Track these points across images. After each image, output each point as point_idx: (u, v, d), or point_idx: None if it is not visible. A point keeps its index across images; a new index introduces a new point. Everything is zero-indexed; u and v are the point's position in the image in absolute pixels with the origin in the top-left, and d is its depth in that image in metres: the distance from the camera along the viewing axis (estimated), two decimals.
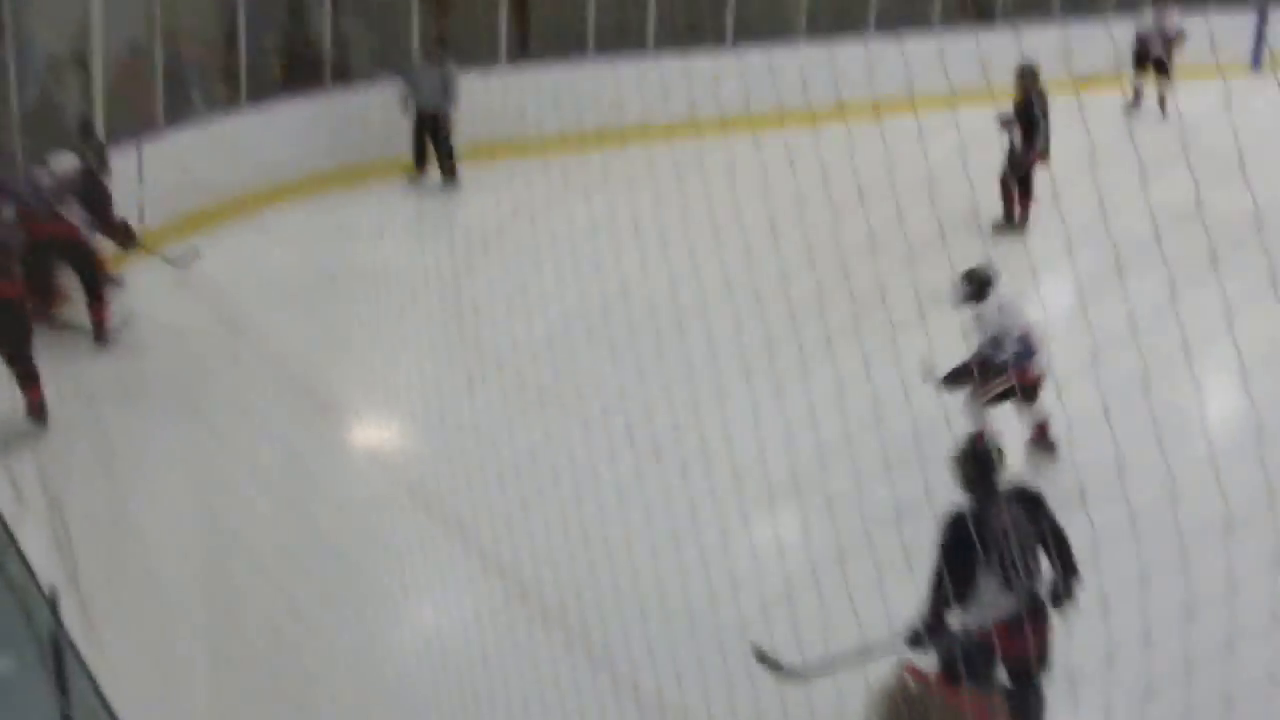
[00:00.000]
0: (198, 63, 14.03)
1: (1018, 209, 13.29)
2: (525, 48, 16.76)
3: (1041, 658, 5.66)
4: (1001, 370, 8.35)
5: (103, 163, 10.83)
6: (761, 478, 5.96)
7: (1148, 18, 17.71)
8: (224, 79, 14.05)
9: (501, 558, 7.09)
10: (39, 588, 5.28)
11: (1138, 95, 17.74)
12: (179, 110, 13.21)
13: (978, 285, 8.63)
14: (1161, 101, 17.61)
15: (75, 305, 10.69)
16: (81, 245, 10.42)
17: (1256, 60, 19.66)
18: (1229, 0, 19.56)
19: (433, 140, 14.71)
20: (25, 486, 8.14)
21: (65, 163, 10.48)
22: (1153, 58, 17.77)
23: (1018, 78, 12.92)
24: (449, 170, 14.80)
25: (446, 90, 14.51)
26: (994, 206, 13.22)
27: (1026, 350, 8.54)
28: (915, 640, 5.62)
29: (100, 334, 10.63)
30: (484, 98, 14.61)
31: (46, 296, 10.32)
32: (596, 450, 6.78)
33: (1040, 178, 13.05)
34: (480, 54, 15.71)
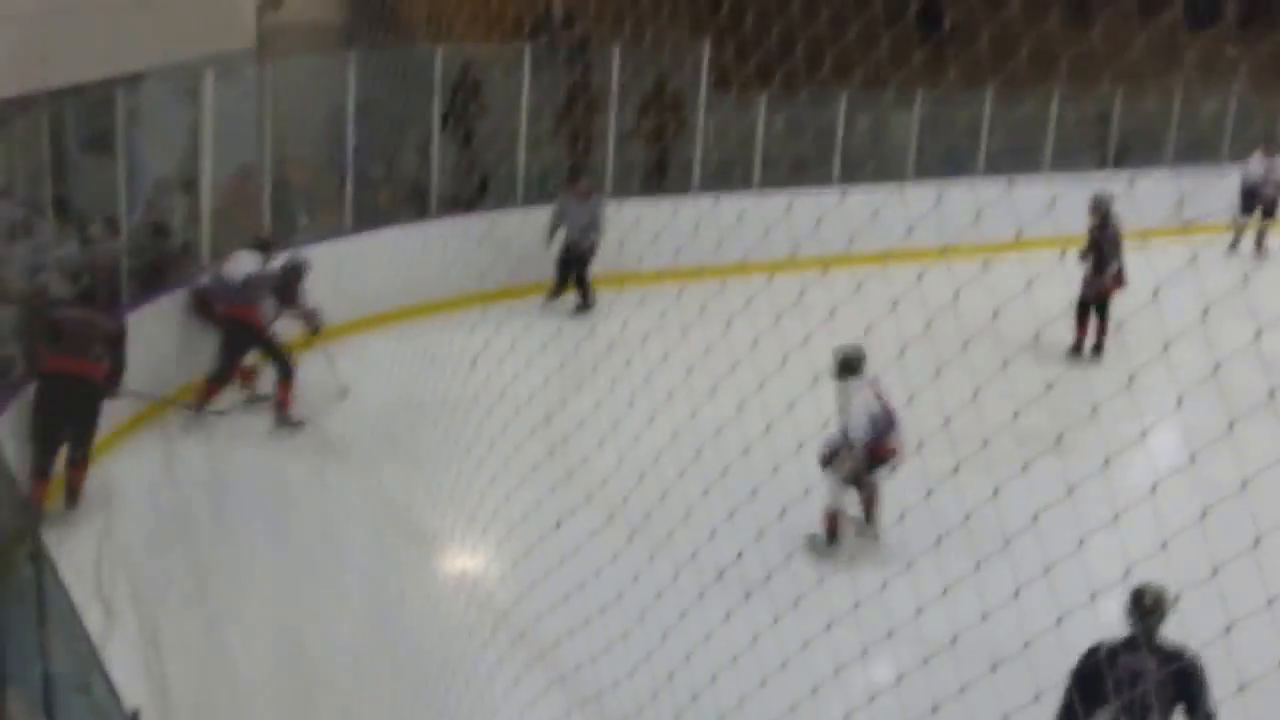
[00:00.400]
0: (304, 187, 14.31)
1: (1090, 337, 13.67)
2: (662, 178, 17.10)
3: None
4: (853, 446, 9.25)
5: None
6: (856, 624, 5.83)
7: (1256, 163, 17.68)
8: (330, 205, 14.32)
9: (585, 691, 6.96)
10: (122, 711, 5.25)
11: (1237, 238, 17.80)
12: (284, 234, 13.44)
13: (845, 365, 9.44)
14: (1260, 240, 17.63)
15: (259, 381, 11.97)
16: (262, 329, 11.70)
17: None
18: None
19: (575, 270, 15.09)
20: (117, 604, 8.20)
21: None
22: (1260, 201, 17.66)
23: (1091, 208, 13.55)
24: (586, 298, 15.13)
25: (594, 224, 14.89)
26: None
27: (884, 425, 9.34)
28: None
29: (281, 415, 11.77)
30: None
31: (230, 375, 11.77)
32: (685, 590, 6.64)
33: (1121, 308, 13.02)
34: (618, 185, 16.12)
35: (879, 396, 9.42)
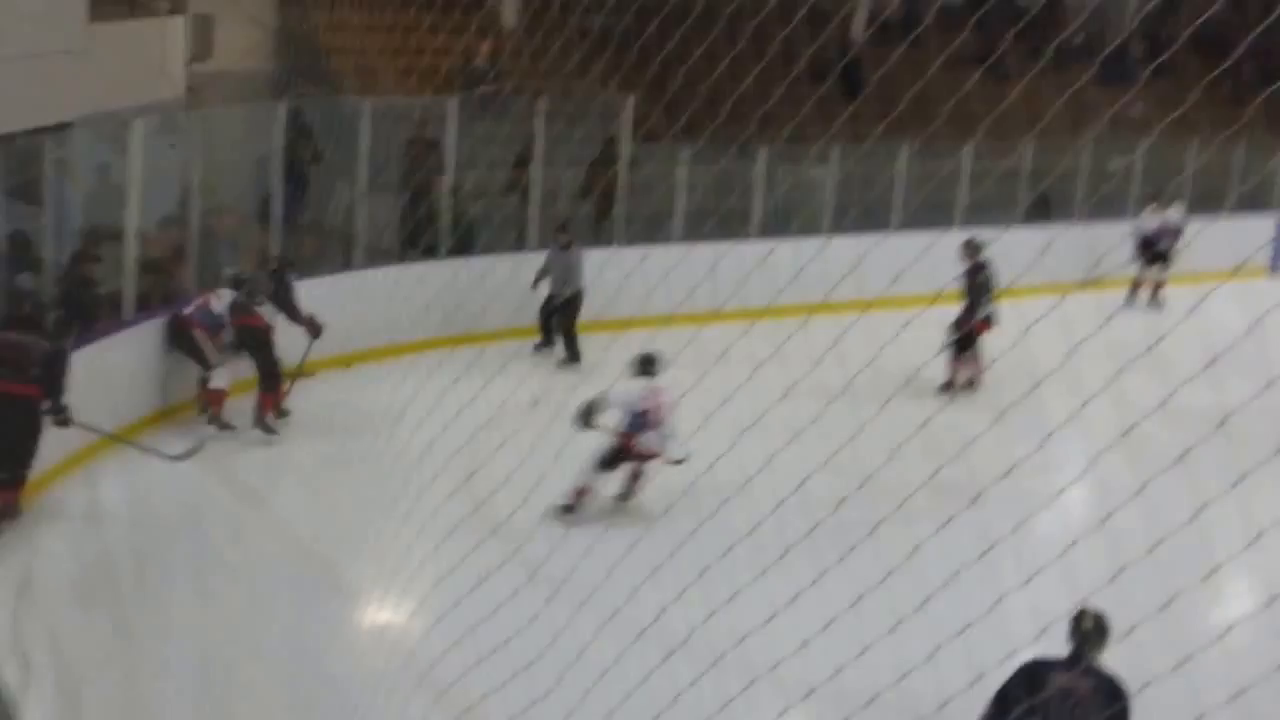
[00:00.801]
0: (231, 237, 14.27)
1: (960, 374, 14.32)
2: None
3: None
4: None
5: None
6: (777, 680, 5.90)
7: (1148, 217, 18.18)
8: (256, 253, 14.27)
9: None
10: None
11: (1135, 289, 18.46)
12: (209, 283, 13.39)
13: (642, 363, 10.91)
14: (1156, 290, 18.22)
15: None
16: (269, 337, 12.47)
17: (1275, 263, 19.99)
18: (1254, 205, 19.93)
19: (558, 320, 15.27)
20: (34, 656, 8.12)
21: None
22: (1155, 252, 18.15)
23: (963, 252, 14.33)
24: (570, 351, 15.33)
25: (569, 276, 15.11)
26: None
27: (639, 424, 10.52)
28: None
29: (260, 421, 12.43)
30: None
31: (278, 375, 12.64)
32: (606, 649, 6.67)
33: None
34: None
35: (655, 401, 10.59)
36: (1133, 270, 18.55)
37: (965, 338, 14.02)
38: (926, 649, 5.72)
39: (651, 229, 16.81)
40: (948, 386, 14.25)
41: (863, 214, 17.28)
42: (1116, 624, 6.23)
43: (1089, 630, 6.18)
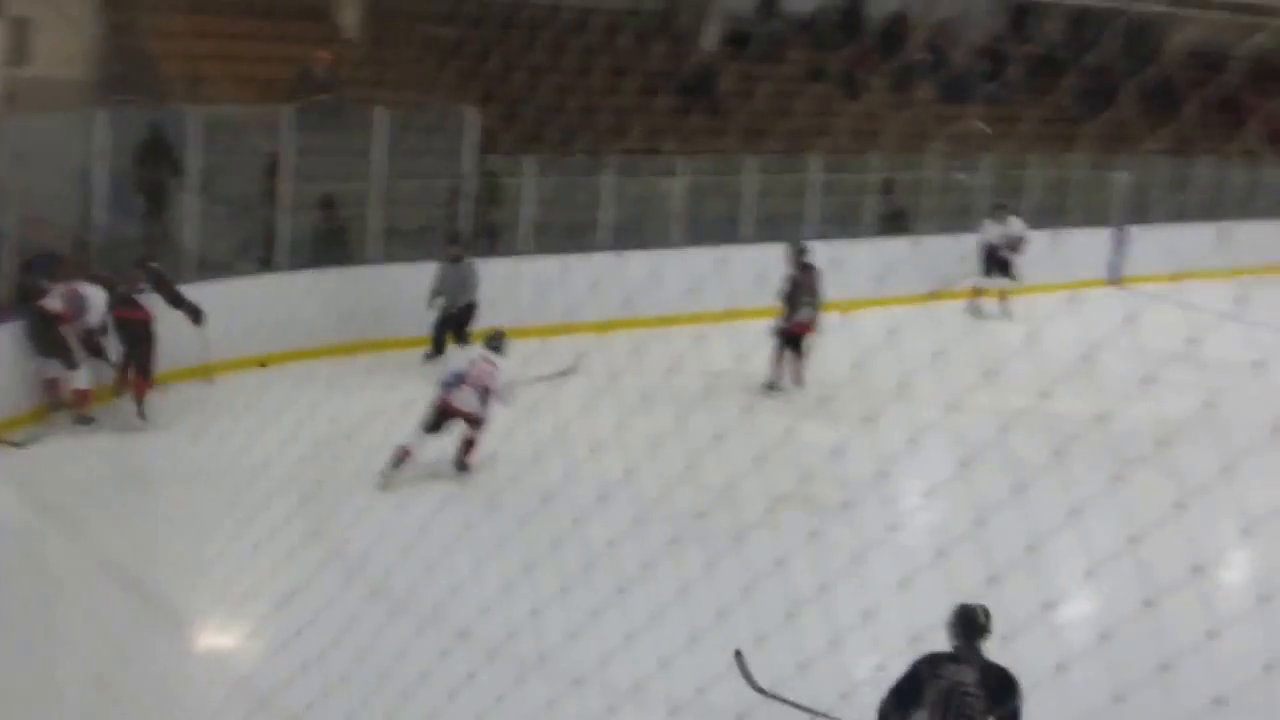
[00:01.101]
0: (48, 247, 13.59)
1: (785, 373, 14.46)
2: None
3: None
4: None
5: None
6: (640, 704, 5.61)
7: (990, 228, 18.49)
8: (76, 266, 13.61)
9: None
10: None
11: (976, 297, 18.75)
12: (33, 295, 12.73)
13: (490, 339, 11.80)
14: (1001, 297, 18.57)
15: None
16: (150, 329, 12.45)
17: (1113, 274, 20.46)
18: (1092, 221, 20.33)
19: (454, 331, 15.12)
20: None
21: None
22: (997, 262, 18.52)
23: (789, 256, 14.50)
24: None
25: (465, 286, 15.08)
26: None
27: (454, 383, 11.18)
28: None
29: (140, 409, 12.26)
30: None
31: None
32: (454, 670, 6.29)
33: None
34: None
35: (480, 368, 11.30)
36: (980, 281, 18.73)
37: (790, 339, 14.39)
38: (797, 660, 5.50)
39: (498, 241, 16.48)
40: (771, 386, 14.39)
41: (712, 225, 17.18)
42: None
43: (977, 624, 6.21)
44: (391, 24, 14.87)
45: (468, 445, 11.23)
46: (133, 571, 9.50)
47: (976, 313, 18.43)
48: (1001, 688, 6.01)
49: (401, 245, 15.86)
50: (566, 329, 14.68)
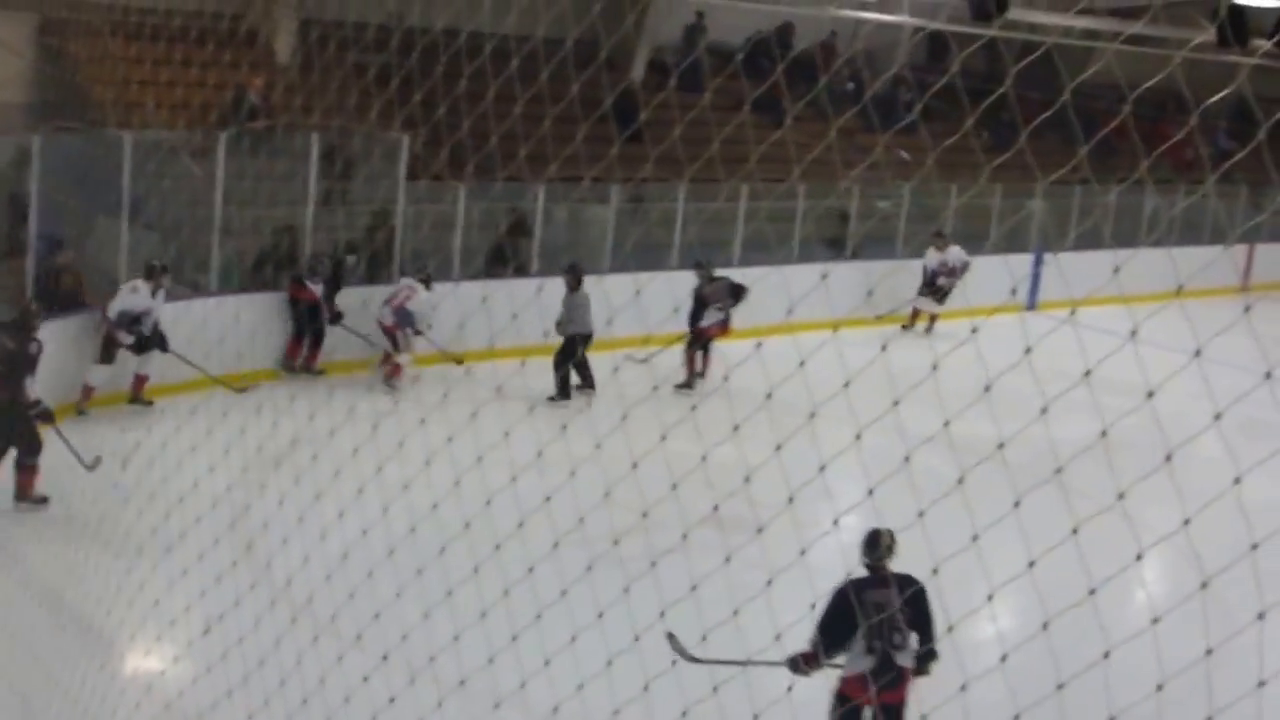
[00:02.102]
0: None
1: (694, 373, 16.11)
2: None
3: (891, 709, 6.91)
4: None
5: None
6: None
7: (931, 256, 18.88)
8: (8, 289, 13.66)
9: None
10: None
11: (914, 318, 19.49)
12: None
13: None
14: (931, 322, 19.22)
15: None
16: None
17: (1031, 300, 20.88)
18: (1012, 248, 20.76)
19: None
20: None
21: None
22: (933, 288, 18.82)
23: (695, 268, 16.36)
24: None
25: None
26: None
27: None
28: (794, 666, 7.01)
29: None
30: None
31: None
32: (377, 692, 6.45)
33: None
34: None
35: (408, 297, 15.03)
36: (919, 303, 19.30)
37: (702, 342, 16.07)
38: (712, 682, 5.69)
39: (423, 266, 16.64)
40: (688, 384, 15.90)
41: (642, 250, 17.46)
42: None
43: (887, 545, 6.96)
44: (323, 51, 14.98)
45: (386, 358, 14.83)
46: (59, 593, 9.57)
47: (914, 330, 18.96)
48: (914, 596, 6.73)
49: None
50: (490, 354, 14.89)
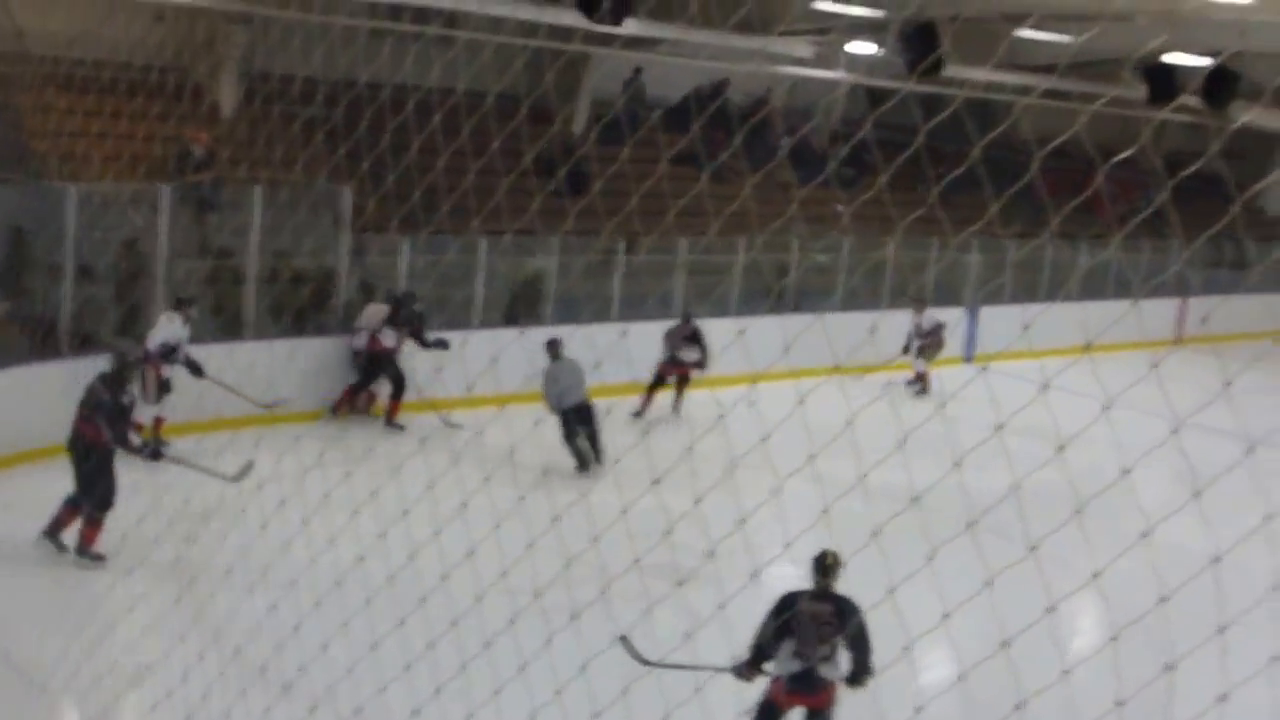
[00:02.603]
0: None
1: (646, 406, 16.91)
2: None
3: (810, 714, 7.40)
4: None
5: None
6: None
7: (912, 316, 19.60)
8: None
9: None
10: None
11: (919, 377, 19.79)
12: None
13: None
14: (922, 379, 19.62)
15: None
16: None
17: (968, 351, 21.20)
18: (946, 301, 21.03)
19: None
20: None
21: None
22: (915, 347, 19.66)
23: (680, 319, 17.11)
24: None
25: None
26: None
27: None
28: (737, 671, 7.42)
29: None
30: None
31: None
32: None
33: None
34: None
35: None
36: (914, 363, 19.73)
37: (679, 379, 17.00)
38: None
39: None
40: (640, 414, 16.76)
41: (587, 304, 17.64)
42: None
43: (830, 564, 7.34)
44: (268, 104, 15.08)
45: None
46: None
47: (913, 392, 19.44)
48: (849, 617, 7.23)
49: (275, 321, 16.06)
50: (420, 406, 14.99)
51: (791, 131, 23.15)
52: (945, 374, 18.87)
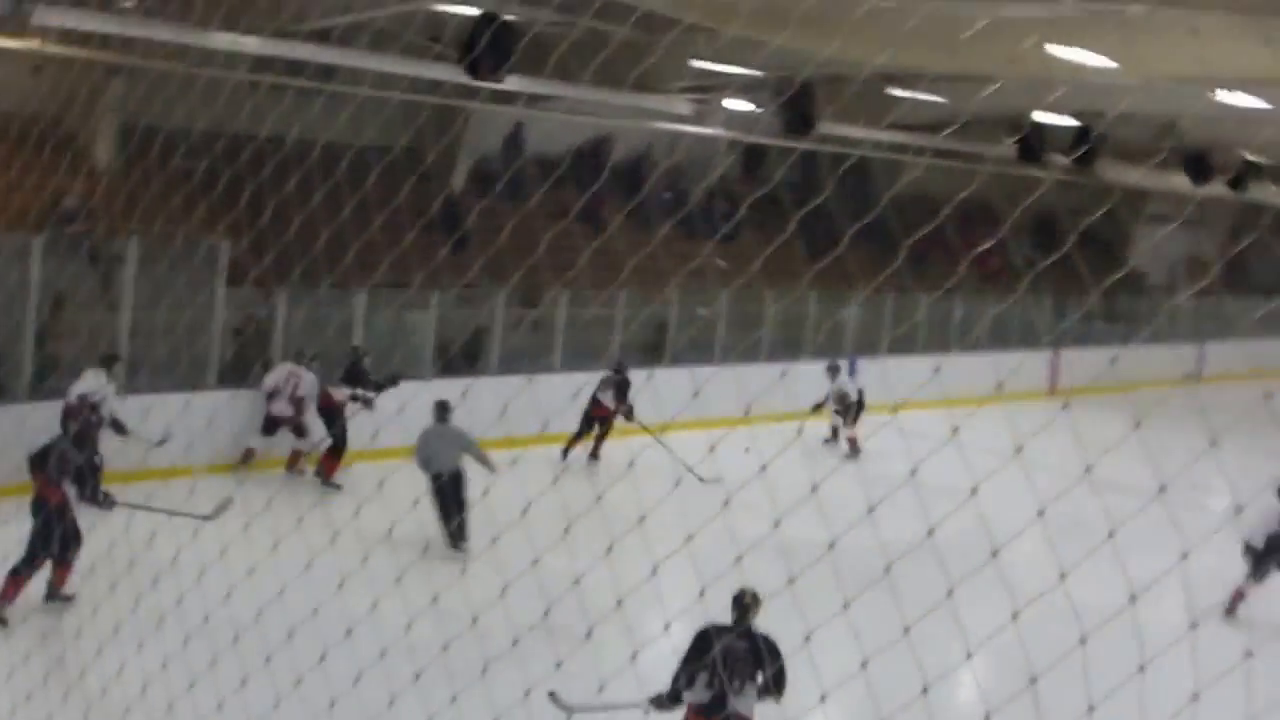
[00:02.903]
0: None
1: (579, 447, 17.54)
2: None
3: None
4: None
5: None
6: None
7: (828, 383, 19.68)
8: None
9: None
10: None
11: (835, 432, 20.13)
12: None
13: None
14: (851, 442, 19.64)
15: None
16: None
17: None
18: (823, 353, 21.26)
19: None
20: None
21: None
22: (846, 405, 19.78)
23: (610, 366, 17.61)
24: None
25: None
26: None
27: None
28: (657, 703, 7.73)
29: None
30: None
31: None
32: None
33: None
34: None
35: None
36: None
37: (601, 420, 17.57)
38: None
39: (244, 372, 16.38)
40: (565, 454, 17.36)
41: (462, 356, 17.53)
42: None
43: (748, 603, 7.62)
44: (143, 156, 14.84)
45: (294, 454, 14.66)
46: None
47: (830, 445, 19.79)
48: (768, 652, 7.55)
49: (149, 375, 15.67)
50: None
51: (673, 188, 23.35)
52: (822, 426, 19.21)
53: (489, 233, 16.90)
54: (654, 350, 20.70)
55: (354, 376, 15.92)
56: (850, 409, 19.73)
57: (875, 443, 17.94)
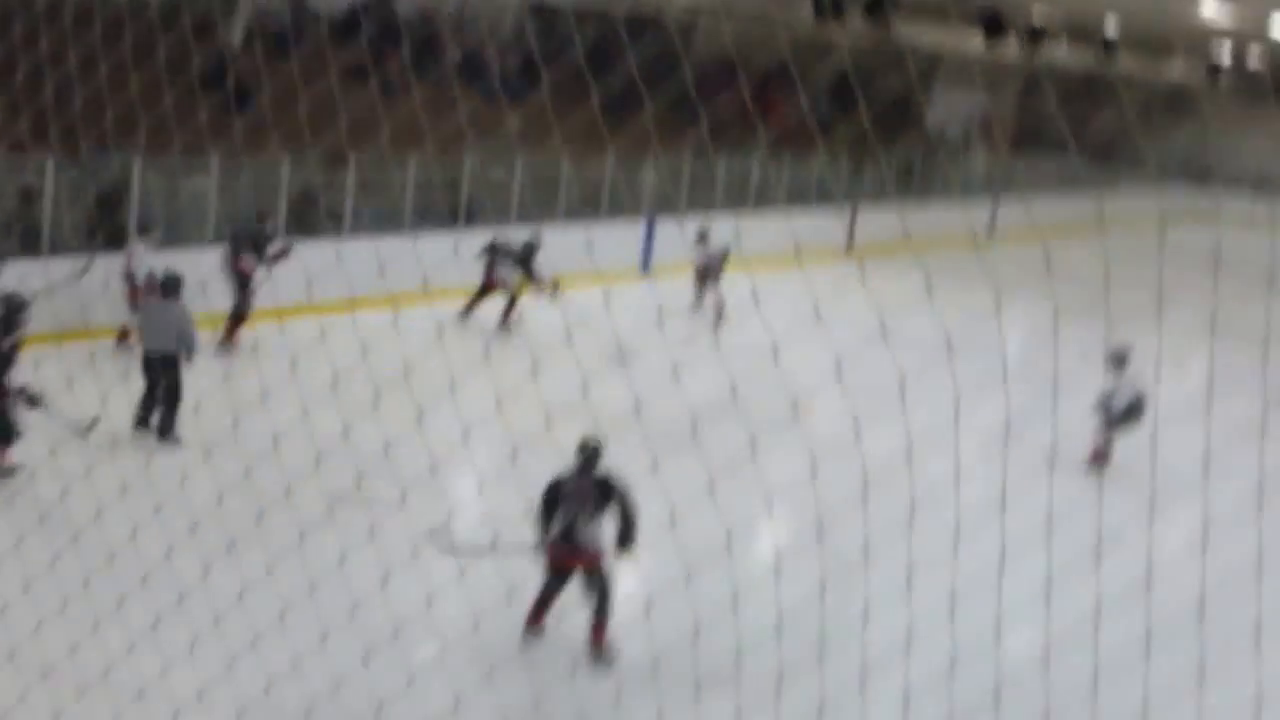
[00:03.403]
0: None
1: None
2: None
3: (589, 571, 8.33)
4: None
5: None
6: None
7: (696, 249, 18.91)
8: None
9: None
10: None
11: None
12: None
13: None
14: (719, 310, 18.64)
15: None
16: None
17: (645, 264, 21.43)
18: (625, 211, 21.19)
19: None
20: None
21: None
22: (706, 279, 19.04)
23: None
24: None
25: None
26: None
27: None
28: (535, 548, 8.36)
29: None
30: None
31: None
32: (10, 687, 6.10)
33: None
34: None
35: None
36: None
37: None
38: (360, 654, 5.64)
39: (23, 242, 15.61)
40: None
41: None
42: None
43: (590, 451, 8.32)
44: None
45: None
46: None
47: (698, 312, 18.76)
48: (608, 490, 8.29)
49: None
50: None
51: (462, 45, 22.83)
52: (626, 289, 19.18)
53: (273, 94, 16.34)
54: (450, 213, 20.31)
55: (251, 242, 15.66)
56: (713, 274, 19.47)
57: (681, 302, 17.88)
